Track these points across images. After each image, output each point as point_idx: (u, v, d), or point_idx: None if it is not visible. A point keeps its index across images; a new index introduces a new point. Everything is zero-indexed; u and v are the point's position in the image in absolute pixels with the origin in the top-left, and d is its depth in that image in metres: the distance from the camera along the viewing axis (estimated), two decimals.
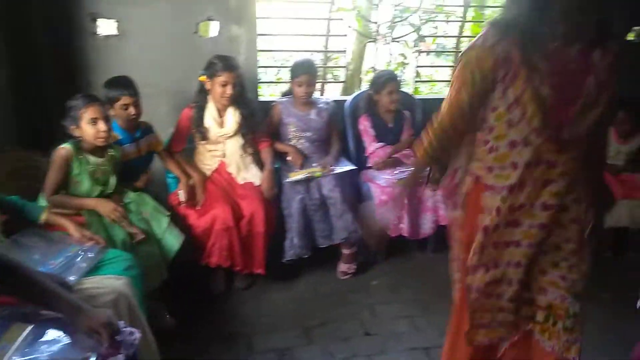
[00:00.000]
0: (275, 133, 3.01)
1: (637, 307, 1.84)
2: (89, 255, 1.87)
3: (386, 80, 3.09)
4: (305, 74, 2.87)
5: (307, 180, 2.81)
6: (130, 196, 2.37)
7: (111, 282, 1.79)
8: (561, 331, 1.48)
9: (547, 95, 1.26)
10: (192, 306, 2.49)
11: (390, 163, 3.12)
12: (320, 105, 3.05)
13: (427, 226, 3.04)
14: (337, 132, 3.17)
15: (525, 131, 1.31)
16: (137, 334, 1.42)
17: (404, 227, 2.94)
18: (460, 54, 1.39)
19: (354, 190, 3.00)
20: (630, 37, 3.54)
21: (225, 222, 2.48)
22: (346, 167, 2.98)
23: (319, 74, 3.14)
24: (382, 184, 2.99)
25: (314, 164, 2.93)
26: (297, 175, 2.81)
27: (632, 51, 3.53)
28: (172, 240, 2.35)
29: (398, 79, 3.22)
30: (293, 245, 2.72)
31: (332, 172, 2.88)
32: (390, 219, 2.89)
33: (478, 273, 1.48)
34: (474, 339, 1.56)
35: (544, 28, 1.25)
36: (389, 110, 3.15)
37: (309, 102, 3.00)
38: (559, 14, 1.24)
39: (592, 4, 1.24)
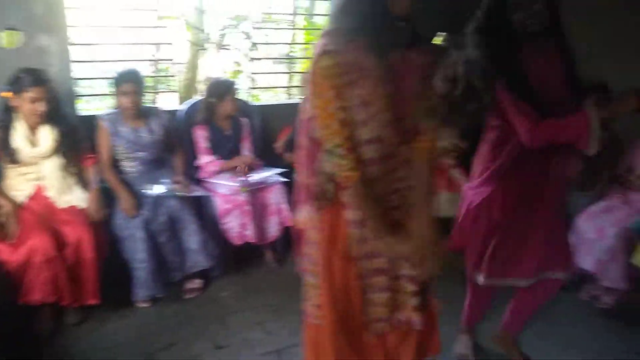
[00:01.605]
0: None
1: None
2: None
3: (228, 88, 3.07)
4: (129, 82, 2.66)
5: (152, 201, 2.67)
6: None
7: None
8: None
9: (390, 93, 1.37)
10: (15, 351, 2.18)
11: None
12: (152, 117, 2.83)
13: (273, 229, 3.08)
14: (179, 145, 3.01)
15: (376, 128, 1.39)
16: None
17: (250, 234, 2.93)
18: (308, 68, 1.40)
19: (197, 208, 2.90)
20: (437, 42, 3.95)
21: (45, 252, 2.22)
22: (202, 190, 2.91)
23: (145, 83, 2.91)
24: (223, 192, 2.95)
25: (161, 181, 2.77)
26: (158, 189, 2.67)
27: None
28: None
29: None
30: (142, 284, 2.57)
31: (192, 193, 2.78)
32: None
33: (364, 263, 1.52)
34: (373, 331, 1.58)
35: (377, 33, 1.37)
36: (228, 117, 3.12)
37: (140, 116, 2.77)
38: (387, 22, 1.37)
39: (411, 14, 1.40)
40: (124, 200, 2.61)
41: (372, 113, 1.37)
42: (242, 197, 2.94)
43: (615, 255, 2.47)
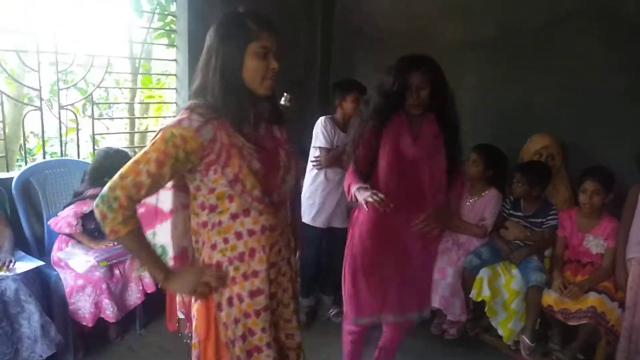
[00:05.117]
0: None
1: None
2: None
3: (125, 156, 2.85)
4: None
5: None
6: None
7: None
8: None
9: (259, 168, 1.41)
10: None
11: None
12: None
13: (133, 297, 2.84)
14: (3, 218, 2.68)
15: (247, 202, 1.41)
16: None
17: (110, 313, 2.67)
18: (161, 128, 1.37)
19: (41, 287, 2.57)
20: (283, 102, 4.20)
21: None
22: (32, 263, 2.54)
23: None
24: (79, 269, 2.65)
25: None
26: None
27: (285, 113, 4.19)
28: None
29: None
30: None
31: (14, 272, 2.42)
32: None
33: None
34: None
35: (241, 113, 1.41)
36: None
37: None
38: (249, 100, 1.42)
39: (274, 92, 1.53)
40: None
41: (242, 189, 1.39)
42: (98, 273, 2.69)
43: (456, 292, 2.86)
